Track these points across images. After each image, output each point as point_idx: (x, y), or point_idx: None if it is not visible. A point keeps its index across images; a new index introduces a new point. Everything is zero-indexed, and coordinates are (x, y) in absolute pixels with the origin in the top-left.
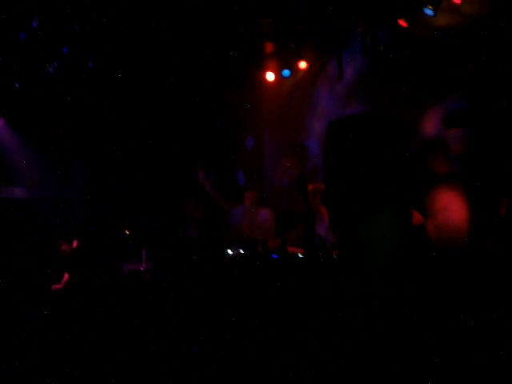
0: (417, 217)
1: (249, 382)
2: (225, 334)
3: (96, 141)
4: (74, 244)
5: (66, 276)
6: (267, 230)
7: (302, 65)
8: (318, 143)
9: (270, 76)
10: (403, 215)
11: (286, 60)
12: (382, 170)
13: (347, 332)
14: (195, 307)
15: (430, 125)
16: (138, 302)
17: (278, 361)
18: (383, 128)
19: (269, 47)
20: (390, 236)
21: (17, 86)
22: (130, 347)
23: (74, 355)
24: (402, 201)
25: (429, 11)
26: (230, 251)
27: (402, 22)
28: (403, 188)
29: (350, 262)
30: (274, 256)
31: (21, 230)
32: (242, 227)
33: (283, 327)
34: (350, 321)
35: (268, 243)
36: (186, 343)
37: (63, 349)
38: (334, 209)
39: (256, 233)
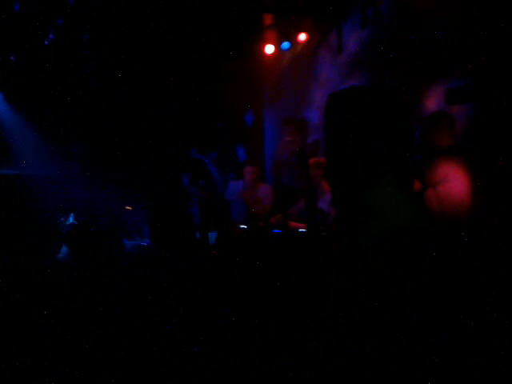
0: (419, 187)
1: (249, 381)
2: (225, 334)
3: (94, 117)
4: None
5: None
6: (267, 205)
7: (302, 37)
8: (319, 115)
9: (270, 49)
10: (406, 184)
11: (285, 32)
12: (382, 141)
13: (348, 327)
14: (195, 306)
15: (433, 100)
16: (139, 287)
17: (278, 361)
18: (384, 100)
19: (268, 19)
20: (395, 202)
21: (12, 58)
22: (129, 347)
23: (71, 352)
24: (404, 170)
25: None
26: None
27: None
28: (405, 158)
29: (352, 233)
30: (276, 231)
31: (17, 207)
32: (243, 203)
33: (284, 322)
34: (351, 312)
35: (269, 218)
36: (186, 343)
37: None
38: (337, 180)
39: (256, 208)
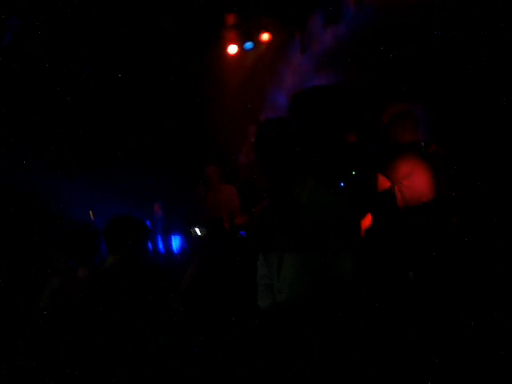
0: (385, 183)
1: (249, 381)
2: (225, 334)
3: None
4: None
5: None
6: (232, 207)
7: (265, 37)
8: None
9: (233, 49)
10: (369, 181)
11: (248, 32)
12: (344, 142)
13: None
14: (196, 306)
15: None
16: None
17: (279, 361)
18: (348, 100)
19: (230, 19)
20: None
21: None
22: (129, 347)
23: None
24: (367, 168)
25: None
26: (197, 230)
27: None
28: (367, 157)
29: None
30: (242, 233)
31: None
32: (206, 205)
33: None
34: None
35: (235, 220)
36: (186, 343)
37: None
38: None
39: (221, 210)
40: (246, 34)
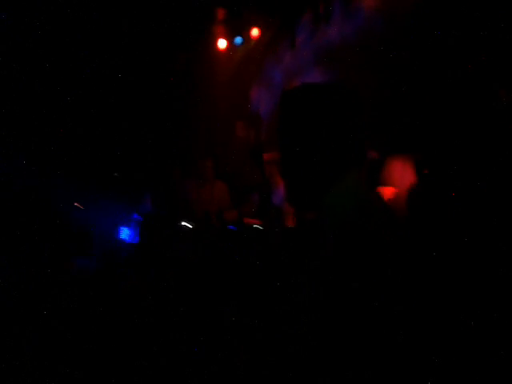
0: (377, 186)
1: (248, 381)
2: (225, 334)
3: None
4: None
5: None
6: (222, 203)
7: (255, 32)
8: (269, 113)
9: (222, 44)
10: (367, 181)
11: (238, 27)
12: (339, 139)
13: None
14: (195, 306)
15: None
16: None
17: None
18: (338, 96)
19: (220, 14)
20: (358, 201)
21: None
22: (128, 347)
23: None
24: (366, 166)
25: None
26: (188, 224)
27: None
28: (361, 157)
29: (312, 232)
30: (231, 227)
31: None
32: (195, 200)
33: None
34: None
35: (224, 215)
36: (186, 343)
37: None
38: (292, 178)
39: (211, 205)
40: (235, 29)
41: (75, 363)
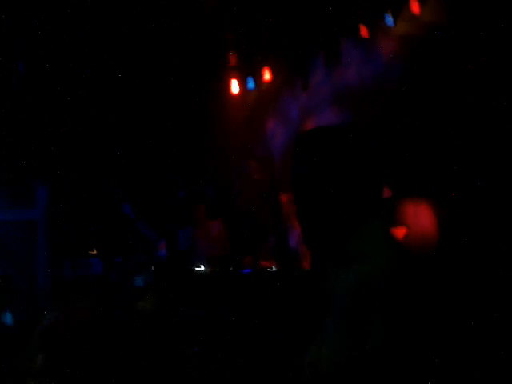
0: (392, 227)
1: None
2: (225, 334)
3: (59, 158)
4: None
5: None
6: (223, 245)
7: (267, 76)
8: (284, 149)
9: (235, 88)
10: (389, 225)
11: (250, 72)
12: (355, 182)
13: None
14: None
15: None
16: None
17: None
18: (353, 139)
19: (233, 59)
20: (386, 248)
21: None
22: (128, 348)
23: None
24: (388, 211)
25: (389, 20)
26: (202, 267)
27: (364, 32)
28: (379, 198)
29: (330, 275)
30: (247, 271)
31: None
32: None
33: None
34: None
35: (238, 259)
36: (187, 344)
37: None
38: (310, 222)
39: (214, 247)
40: (247, 73)
41: (75, 363)
